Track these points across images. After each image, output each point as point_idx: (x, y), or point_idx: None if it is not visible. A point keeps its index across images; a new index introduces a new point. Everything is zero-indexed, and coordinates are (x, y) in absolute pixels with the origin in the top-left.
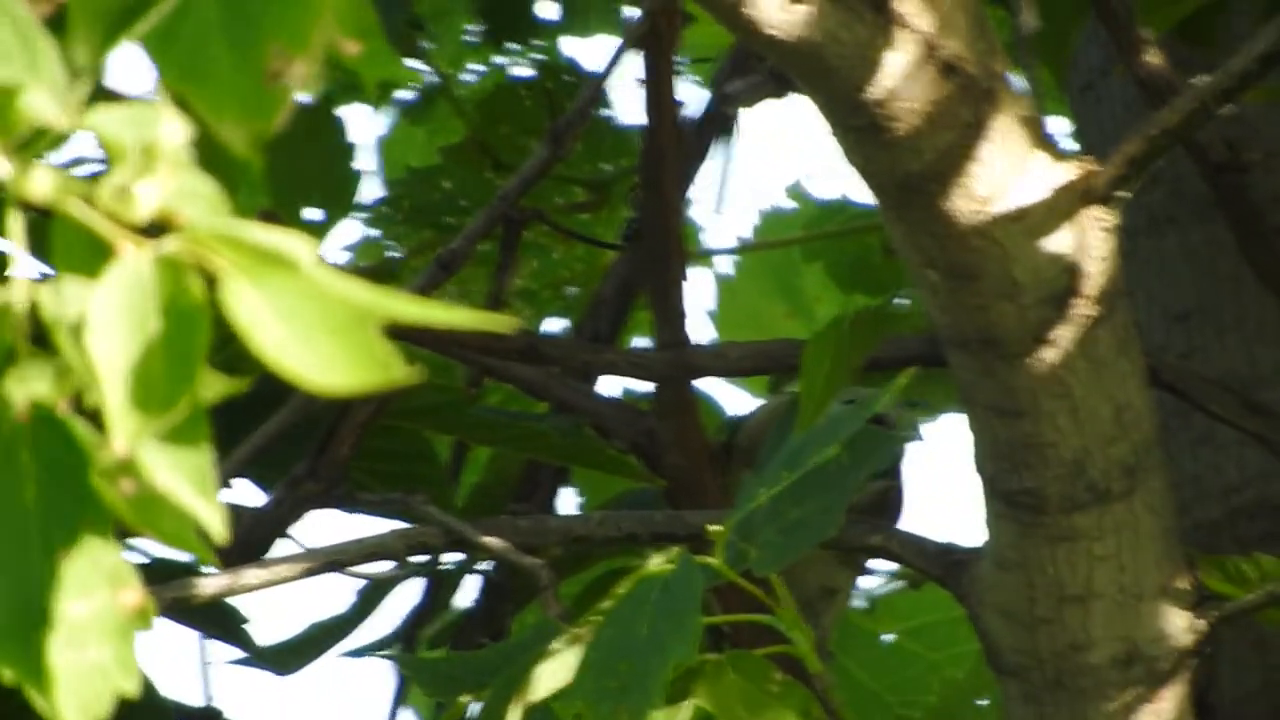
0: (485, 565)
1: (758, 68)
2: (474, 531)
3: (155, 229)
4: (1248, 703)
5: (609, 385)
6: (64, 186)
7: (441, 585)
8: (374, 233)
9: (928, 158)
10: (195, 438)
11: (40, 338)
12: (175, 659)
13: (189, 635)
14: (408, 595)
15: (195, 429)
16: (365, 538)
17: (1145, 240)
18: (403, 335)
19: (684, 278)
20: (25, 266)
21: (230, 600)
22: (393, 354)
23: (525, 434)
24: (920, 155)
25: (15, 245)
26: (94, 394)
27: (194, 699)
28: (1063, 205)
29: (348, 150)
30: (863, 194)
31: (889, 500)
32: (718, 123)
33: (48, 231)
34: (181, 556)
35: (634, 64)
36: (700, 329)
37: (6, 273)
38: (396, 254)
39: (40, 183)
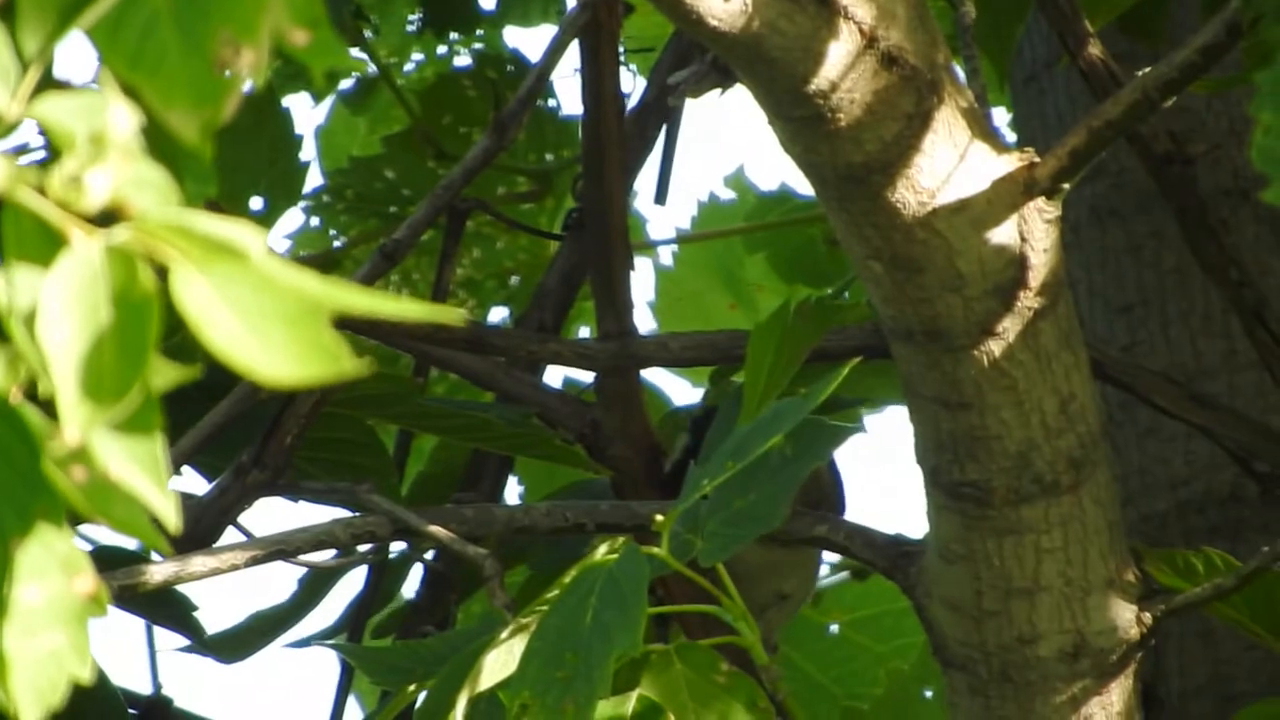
0: (430, 555)
1: (700, 58)
2: (420, 520)
3: (106, 218)
4: (1195, 696)
5: (553, 375)
6: (15, 175)
7: (387, 574)
8: (315, 222)
9: (870, 149)
10: (147, 426)
11: None
12: (123, 647)
13: (137, 623)
14: (353, 584)
15: (147, 417)
16: (311, 526)
17: (1089, 233)
18: (348, 325)
19: (630, 268)
20: None
21: (179, 588)
22: (342, 346)
23: (471, 423)
24: (862, 146)
25: None
26: (46, 382)
27: (142, 687)
28: (1005, 197)
29: (295, 141)
30: (804, 184)
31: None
32: (660, 113)
33: None
34: (128, 543)
35: (577, 54)
36: (641, 320)
37: None
38: (338, 243)
39: None
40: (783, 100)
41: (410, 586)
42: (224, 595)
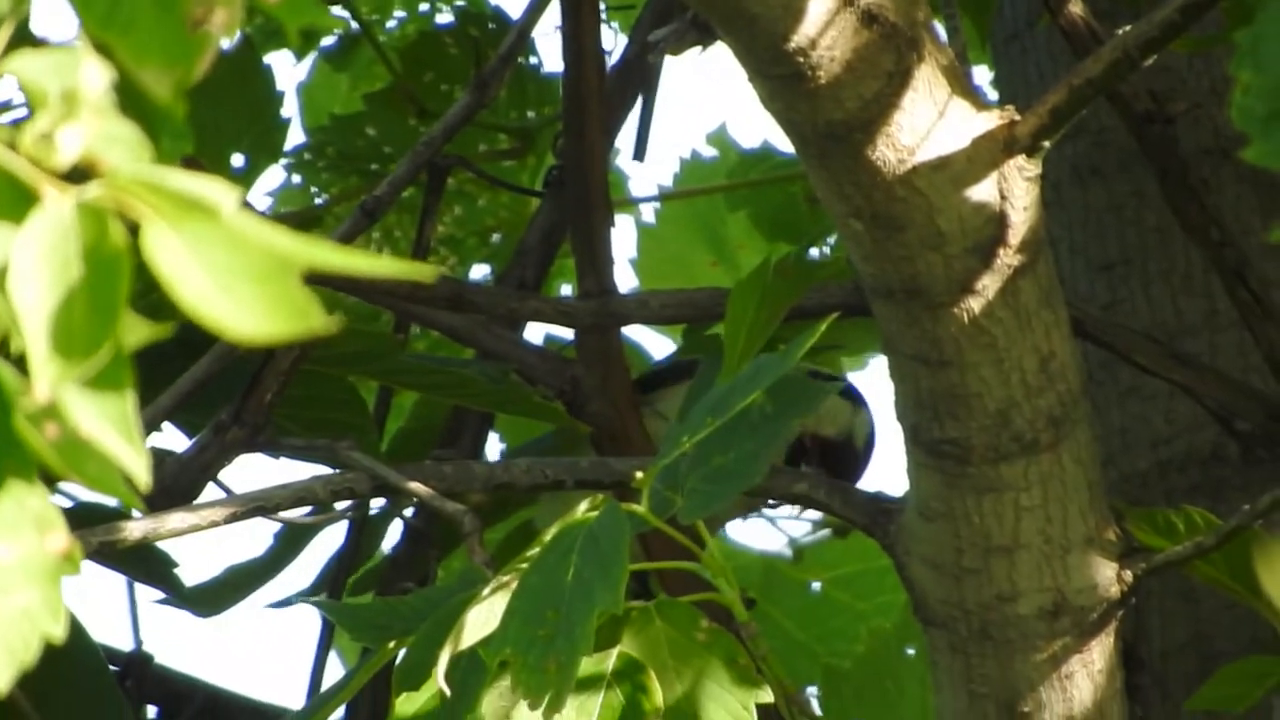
0: (410, 512)
1: (680, 16)
2: (400, 477)
3: (78, 175)
4: (1175, 655)
5: (533, 332)
6: None
7: (366, 531)
8: (296, 179)
9: (850, 106)
10: (118, 383)
11: None
12: (105, 604)
13: (118, 580)
14: (333, 542)
15: (118, 374)
16: (291, 483)
17: (1070, 191)
18: (329, 282)
19: (611, 225)
20: None
21: (159, 545)
22: (313, 302)
23: (451, 380)
24: (842, 104)
25: None
26: (17, 339)
27: (123, 643)
28: (985, 155)
29: (276, 98)
30: (786, 142)
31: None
32: (640, 70)
33: None
34: (109, 501)
35: (558, 12)
36: (623, 277)
37: None
38: (320, 200)
39: None
40: (762, 58)
41: (390, 543)
42: (204, 553)
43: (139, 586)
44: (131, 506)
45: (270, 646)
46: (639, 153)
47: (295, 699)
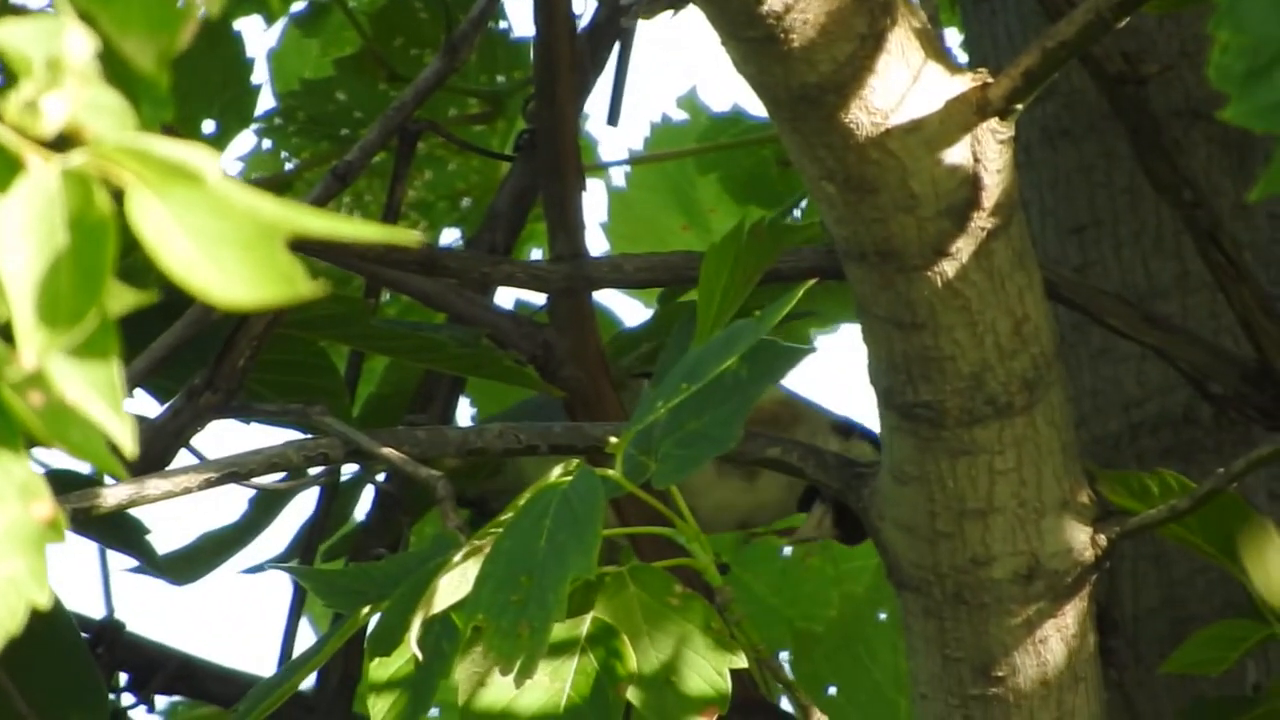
0: (382, 477)
1: None
2: (372, 442)
3: (62, 143)
4: (1148, 618)
5: (504, 297)
6: None
7: (339, 497)
8: (267, 144)
9: (823, 69)
10: (104, 350)
11: None
12: (76, 571)
13: (90, 547)
14: (305, 508)
15: (104, 342)
16: (264, 448)
17: (1040, 153)
18: (300, 247)
19: (582, 189)
20: None
21: (131, 512)
22: (298, 268)
23: (423, 344)
24: (815, 67)
25: None
26: (2, 307)
27: (95, 611)
28: (958, 117)
29: (247, 64)
30: (757, 106)
31: None
32: (612, 34)
33: None
34: (81, 467)
35: None
36: (594, 241)
37: None
38: (291, 165)
39: None
40: (736, 21)
41: (362, 509)
42: (176, 520)
43: (110, 553)
44: (113, 474)
45: (241, 614)
46: (613, 117)
47: (266, 666)
